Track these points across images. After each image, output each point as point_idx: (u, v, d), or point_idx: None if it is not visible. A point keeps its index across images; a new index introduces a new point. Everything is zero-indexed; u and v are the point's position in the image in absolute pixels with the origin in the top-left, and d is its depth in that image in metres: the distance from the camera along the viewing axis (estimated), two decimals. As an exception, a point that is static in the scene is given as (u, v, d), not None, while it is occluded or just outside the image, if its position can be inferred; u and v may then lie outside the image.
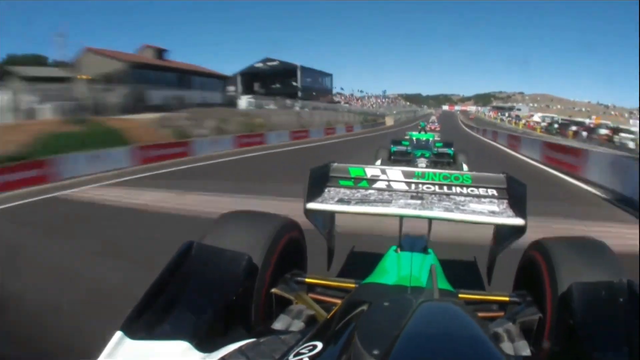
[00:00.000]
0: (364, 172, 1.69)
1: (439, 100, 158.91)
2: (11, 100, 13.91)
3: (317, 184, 1.56)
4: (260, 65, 42.03)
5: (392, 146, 9.03)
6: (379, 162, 7.93)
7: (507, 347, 1.13)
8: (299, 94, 39.81)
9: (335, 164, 1.72)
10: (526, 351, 1.11)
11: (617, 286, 1.00)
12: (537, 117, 68.24)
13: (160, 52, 27.27)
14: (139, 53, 26.56)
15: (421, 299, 0.82)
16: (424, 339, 0.61)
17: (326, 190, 1.62)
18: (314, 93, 43.01)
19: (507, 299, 1.43)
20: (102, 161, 10.19)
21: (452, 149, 8.84)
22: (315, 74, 46.27)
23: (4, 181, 7.84)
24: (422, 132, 10.44)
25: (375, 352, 0.59)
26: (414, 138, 9.33)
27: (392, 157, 8.57)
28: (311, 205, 1.42)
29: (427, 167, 7.36)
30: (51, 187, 8.13)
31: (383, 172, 1.68)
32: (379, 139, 17.58)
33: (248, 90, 37.98)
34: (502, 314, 1.38)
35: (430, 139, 9.36)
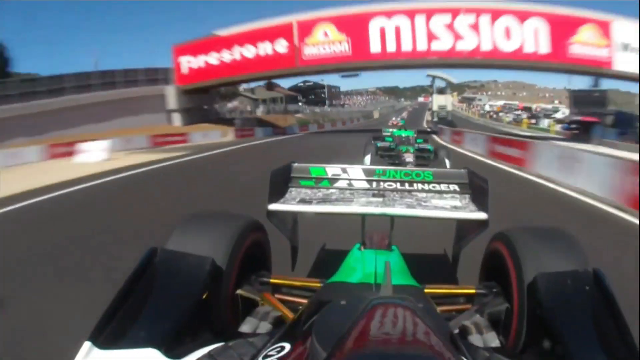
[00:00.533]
0: (325, 171, 1.70)
1: (415, 91, 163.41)
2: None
3: (279, 185, 1.55)
4: (301, 84, 73.56)
5: (376, 142, 9.14)
6: (368, 157, 7.96)
7: (475, 339, 1.13)
8: (326, 101, 71.65)
9: (296, 164, 1.72)
10: (495, 342, 1.12)
11: (583, 275, 1.01)
12: (487, 107, 76.55)
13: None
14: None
15: (372, 297, 0.81)
16: (370, 338, 0.62)
17: (288, 191, 1.62)
18: (333, 100, 75.10)
19: (473, 291, 1.44)
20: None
21: (432, 146, 9.11)
22: (332, 87, 78.19)
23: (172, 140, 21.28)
24: (402, 129, 10.51)
25: (328, 351, 0.60)
26: (396, 135, 9.47)
27: (378, 152, 8.56)
28: (273, 207, 1.42)
29: (413, 161, 7.72)
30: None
31: (344, 171, 1.69)
32: (375, 124, 22.56)
33: (295, 100, 69.03)
34: (469, 306, 1.39)
35: (411, 135, 9.46)
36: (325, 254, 2.79)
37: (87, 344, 0.80)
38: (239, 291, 1.30)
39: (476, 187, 1.55)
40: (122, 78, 26.65)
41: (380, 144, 9.14)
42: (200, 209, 1.54)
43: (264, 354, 0.69)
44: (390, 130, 10.71)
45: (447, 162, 7.62)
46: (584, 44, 21.77)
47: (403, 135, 9.50)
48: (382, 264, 1.27)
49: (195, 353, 0.83)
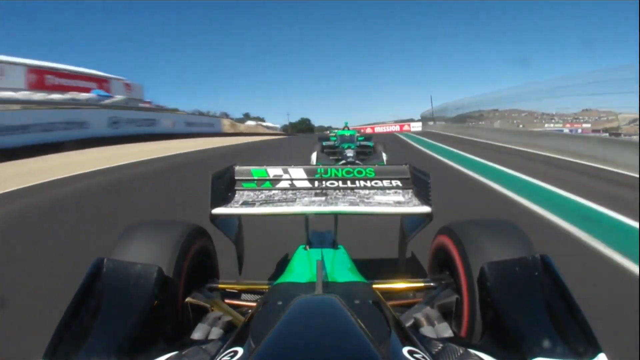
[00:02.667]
0: (267, 172, 1.69)
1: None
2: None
3: (221, 188, 1.52)
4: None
5: (322, 142, 10.07)
6: (314, 154, 8.92)
7: (427, 330, 1.15)
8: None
9: (238, 167, 1.70)
10: (448, 332, 1.14)
11: (530, 261, 1.03)
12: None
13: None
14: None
15: (301, 294, 0.83)
16: (292, 334, 0.63)
17: (230, 194, 1.60)
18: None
19: (422, 284, 1.47)
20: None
21: (372, 142, 10.13)
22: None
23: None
24: (346, 129, 11.36)
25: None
26: (339, 135, 10.33)
27: (324, 151, 9.58)
28: (216, 211, 1.39)
29: (353, 155, 8.43)
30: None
31: (285, 171, 1.68)
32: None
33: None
34: (419, 300, 1.41)
35: (353, 134, 10.46)
36: (272, 255, 2.62)
37: None
38: (188, 299, 1.28)
39: (418, 181, 1.57)
40: None
41: (326, 142, 10.07)
42: (144, 218, 1.49)
43: (218, 359, 0.70)
44: (336, 130, 12.20)
45: (383, 155, 8.71)
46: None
47: (347, 134, 10.30)
48: (328, 262, 1.32)
49: None
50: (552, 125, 19.17)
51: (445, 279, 1.42)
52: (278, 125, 51.34)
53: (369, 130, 34.92)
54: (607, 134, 14.79)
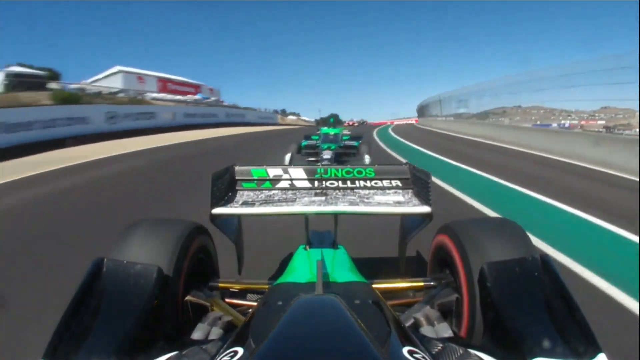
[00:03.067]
0: (266, 172, 1.68)
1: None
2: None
3: (221, 188, 1.52)
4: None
5: (303, 141, 9.31)
6: (288, 156, 7.88)
7: (427, 330, 1.14)
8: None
9: (238, 167, 1.70)
10: (448, 332, 1.12)
11: (530, 261, 1.03)
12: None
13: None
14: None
15: (301, 294, 0.83)
16: (292, 334, 0.64)
17: (230, 193, 1.60)
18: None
19: (422, 284, 1.46)
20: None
21: (360, 141, 9.24)
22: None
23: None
24: (331, 127, 10.24)
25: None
26: (323, 133, 9.46)
27: (302, 151, 8.82)
28: (216, 211, 1.40)
29: (331, 157, 7.65)
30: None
31: (285, 171, 1.68)
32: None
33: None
34: (419, 299, 1.40)
35: (338, 132, 9.53)
36: (272, 255, 2.76)
37: None
38: (188, 297, 1.27)
39: (418, 181, 1.57)
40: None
41: (306, 142, 9.40)
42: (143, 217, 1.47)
43: (218, 359, 0.69)
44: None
45: (367, 157, 7.98)
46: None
47: (331, 133, 9.51)
48: (328, 262, 1.30)
49: None
50: (565, 121, 18.91)
51: (445, 278, 1.41)
52: (312, 119, 62.76)
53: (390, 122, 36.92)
54: (604, 130, 14.81)
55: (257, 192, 1.63)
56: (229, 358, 0.66)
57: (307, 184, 1.67)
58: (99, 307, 0.95)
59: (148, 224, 1.37)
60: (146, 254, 1.20)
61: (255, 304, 1.32)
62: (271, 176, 1.69)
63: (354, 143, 9.20)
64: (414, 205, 1.43)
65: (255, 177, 1.70)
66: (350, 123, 38.74)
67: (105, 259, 1.06)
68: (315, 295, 0.87)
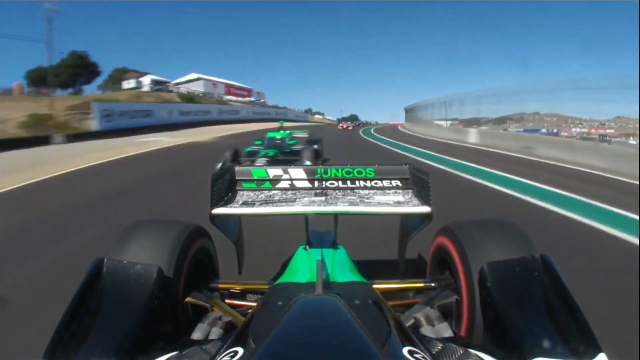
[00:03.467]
0: (266, 173, 1.69)
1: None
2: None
3: (221, 188, 1.53)
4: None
5: (247, 147, 8.61)
6: (219, 165, 6.91)
7: (427, 330, 1.14)
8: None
9: (237, 167, 1.71)
10: (448, 332, 1.12)
11: (530, 261, 1.03)
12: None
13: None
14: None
15: (301, 295, 0.83)
16: (293, 334, 0.64)
17: (230, 194, 1.60)
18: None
19: (421, 285, 1.47)
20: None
21: (317, 145, 8.71)
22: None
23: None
24: (281, 131, 9.66)
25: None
26: (268, 137, 8.97)
27: (239, 158, 7.73)
28: (216, 211, 1.39)
29: (267, 164, 6.58)
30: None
31: (285, 171, 1.69)
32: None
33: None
34: (419, 300, 1.39)
35: (285, 137, 9.09)
36: (272, 256, 2.72)
37: None
38: (188, 299, 1.26)
39: (418, 181, 1.56)
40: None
41: (250, 148, 8.59)
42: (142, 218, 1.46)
43: (218, 359, 0.69)
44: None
45: (307, 163, 7.19)
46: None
47: (277, 137, 9.05)
48: (329, 262, 1.30)
49: None
50: (577, 129, 19.68)
51: (445, 279, 1.41)
52: (334, 118, 78.03)
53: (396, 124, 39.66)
54: (599, 138, 15.72)
55: (257, 192, 1.63)
56: (229, 358, 0.66)
57: (307, 184, 1.67)
58: (99, 307, 0.96)
59: (148, 224, 1.38)
60: (146, 254, 1.19)
61: (255, 304, 1.33)
62: (271, 176, 1.69)
63: (300, 148, 8.46)
64: (414, 205, 1.42)
65: (255, 177, 1.69)
66: (344, 127, 37.21)
67: (105, 259, 1.06)
68: (316, 295, 0.88)
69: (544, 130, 20.02)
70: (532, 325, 0.89)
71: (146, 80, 40.98)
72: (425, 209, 1.37)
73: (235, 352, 0.67)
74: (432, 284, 1.46)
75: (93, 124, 20.63)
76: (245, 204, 1.48)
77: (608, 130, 19.03)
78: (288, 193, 1.62)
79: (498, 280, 1.03)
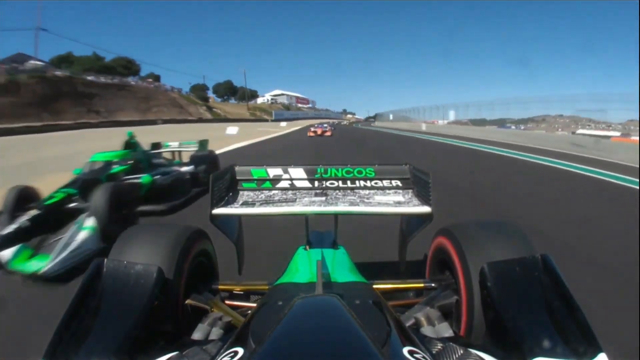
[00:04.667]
0: (266, 172, 1.70)
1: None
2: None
3: (221, 188, 1.53)
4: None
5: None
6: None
7: (428, 330, 1.14)
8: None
9: (238, 167, 1.71)
10: (448, 332, 1.13)
11: (530, 261, 1.04)
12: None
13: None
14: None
15: (301, 295, 0.84)
16: (293, 334, 0.64)
17: (230, 194, 1.61)
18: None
19: (422, 285, 1.47)
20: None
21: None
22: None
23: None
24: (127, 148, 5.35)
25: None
26: (90, 162, 4.76)
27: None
28: (216, 211, 1.40)
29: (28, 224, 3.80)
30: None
31: (285, 171, 1.70)
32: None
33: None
34: (419, 300, 1.39)
35: (110, 159, 4.87)
36: (271, 256, 2.64)
37: None
38: (188, 300, 1.27)
39: (419, 181, 1.57)
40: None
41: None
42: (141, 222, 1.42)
43: (218, 359, 0.69)
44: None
45: (89, 221, 3.37)
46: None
47: (99, 163, 4.81)
48: (329, 262, 1.31)
49: None
50: (581, 129, 24.09)
51: (445, 279, 1.42)
52: (363, 117, 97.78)
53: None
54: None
55: (257, 193, 1.64)
56: (229, 358, 0.67)
57: (307, 184, 1.68)
58: (99, 308, 0.96)
59: (147, 227, 1.40)
60: (146, 256, 1.20)
61: (255, 305, 1.33)
62: (271, 176, 1.70)
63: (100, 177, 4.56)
64: (414, 205, 1.43)
65: (255, 177, 1.70)
66: (318, 132, 25.11)
67: (105, 260, 1.07)
68: (316, 295, 0.88)
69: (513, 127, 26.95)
70: (532, 325, 0.90)
71: (268, 96, 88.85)
72: (426, 209, 1.38)
73: (236, 352, 0.67)
74: (432, 284, 1.45)
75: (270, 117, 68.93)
76: (245, 204, 1.48)
77: (612, 132, 22.69)
78: (288, 193, 1.62)
79: (498, 280, 1.03)
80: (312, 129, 25.76)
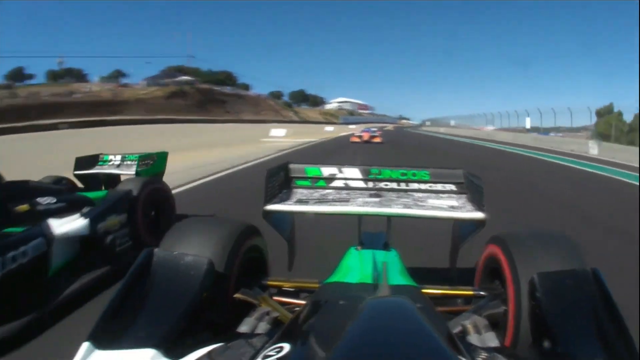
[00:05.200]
0: (321, 171, 1.72)
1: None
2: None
3: (275, 185, 1.56)
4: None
5: None
6: None
7: (474, 339, 1.11)
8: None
9: (292, 165, 1.73)
10: (494, 342, 1.10)
11: (580, 274, 1.02)
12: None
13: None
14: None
15: (369, 295, 0.84)
16: (367, 335, 0.64)
17: (284, 191, 1.63)
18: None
19: (471, 293, 1.45)
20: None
21: None
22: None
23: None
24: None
25: (327, 351, 0.61)
26: None
27: None
28: (270, 207, 1.43)
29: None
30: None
31: (340, 170, 1.71)
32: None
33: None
34: (468, 307, 1.37)
35: None
36: (321, 254, 2.59)
37: (85, 345, 0.80)
38: (237, 294, 1.28)
39: (472, 186, 1.53)
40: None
41: None
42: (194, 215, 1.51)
43: (263, 354, 0.69)
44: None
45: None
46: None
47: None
48: (380, 264, 1.28)
49: (195, 353, 0.82)
50: None
51: (494, 289, 1.37)
52: (417, 122, 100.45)
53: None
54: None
55: (311, 191, 1.66)
56: (274, 353, 0.66)
57: (361, 184, 1.68)
58: (146, 295, 0.99)
59: (201, 220, 1.43)
60: (197, 248, 1.21)
61: (304, 302, 1.32)
62: (326, 175, 1.72)
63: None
64: (468, 210, 1.38)
65: (310, 176, 1.73)
66: (364, 138, 20.71)
67: (155, 250, 1.11)
68: (384, 296, 0.87)
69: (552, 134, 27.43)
70: (579, 339, 0.87)
71: (334, 103, 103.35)
72: (479, 215, 1.34)
73: (281, 348, 0.67)
74: (481, 293, 1.40)
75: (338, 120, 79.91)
76: (299, 201, 1.50)
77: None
78: (342, 192, 1.63)
79: (547, 291, 1.01)
80: (356, 134, 21.53)
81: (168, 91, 53.31)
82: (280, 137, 22.58)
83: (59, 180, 3.44)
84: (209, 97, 58.07)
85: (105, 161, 3.77)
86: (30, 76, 51.46)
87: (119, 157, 3.73)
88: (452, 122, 53.74)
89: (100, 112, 37.96)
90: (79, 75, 55.67)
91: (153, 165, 3.71)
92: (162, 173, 3.83)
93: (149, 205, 3.12)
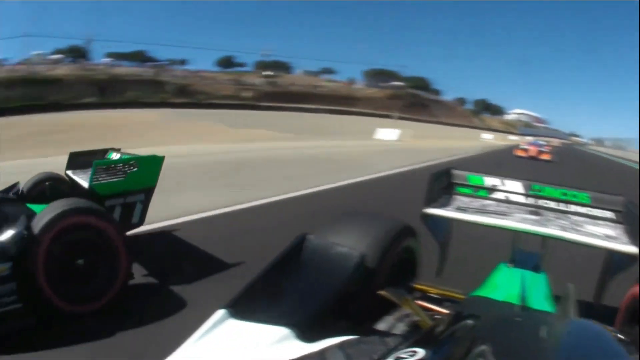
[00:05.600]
0: (483, 181, 1.69)
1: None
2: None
3: (436, 189, 1.56)
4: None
5: None
6: None
7: None
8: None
9: (455, 171, 1.73)
10: None
11: None
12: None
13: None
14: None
15: (513, 315, 0.84)
16: (580, 357, 0.62)
17: (445, 196, 1.63)
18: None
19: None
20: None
21: None
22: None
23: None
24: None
25: None
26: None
27: None
28: (429, 210, 1.42)
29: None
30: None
31: (502, 182, 1.66)
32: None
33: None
34: None
35: None
36: (471, 265, 2.55)
37: (220, 312, 0.82)
38: (381, 292, 1.25)
39: (631, 217, 1.38)
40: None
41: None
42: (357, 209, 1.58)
43: (396, 355, 0.67)
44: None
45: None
46: None
47: None
48: (529, 285, 1.28)
49: (327, 340, 0.80)
50: None
51: (633, 334, 1.25)
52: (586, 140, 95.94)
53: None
54: None
55: (471, 199, 1.64)
56: (407, 356, 0.65)
57: (521, 199, 1.63)
58: (292, 277, 1.01)
59: (361, 215, 1.45)
60: (353, 241, 1.21)
61: (447, 311, 1.28)
62: (487, 185, 1.68)
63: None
64: (623, 242, 1.26)
65: (472, 184, 1.71)
66: (531, 152, 18.81)
67: (309, 236, 1.13)
68: (584, 320, 0.86)
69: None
70: None
71: (513, 114, 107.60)
72: (633, 249, 1.22)
73: (415, 352, 0.65)
74: (620, 336, 1.23)
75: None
76: (458, 209, 1.51)
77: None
78: (502, 205, 1.60)
79: None
80: (522, 147, 19.97)
81: (388, 93, 66.05)
82: (491, 139, 36.56)
83: (46, 179, 2.78)
84: (417, 100, 69.85)
85: (111, 157, 2.87)
86: (241, 64, 60.65)
87: (118, 157, 2.92)
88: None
89: (341, 103, 54.71)
90: (285, 68, 63.11)
91: (132, 175, 2.48)
92: (148, 191, 2.55)
93: (66, 251, 1.97)
